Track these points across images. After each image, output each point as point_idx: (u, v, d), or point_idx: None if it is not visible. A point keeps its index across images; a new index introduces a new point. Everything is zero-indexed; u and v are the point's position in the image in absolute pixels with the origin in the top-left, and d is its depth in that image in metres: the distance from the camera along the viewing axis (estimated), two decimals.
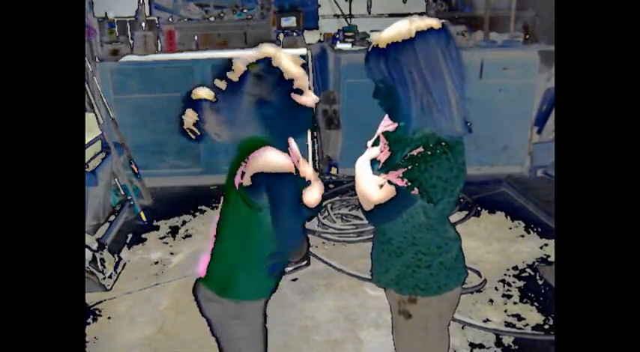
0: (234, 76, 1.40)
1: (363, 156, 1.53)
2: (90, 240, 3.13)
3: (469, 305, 2.79)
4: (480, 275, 3.03)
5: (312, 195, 1.55)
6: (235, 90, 1.39)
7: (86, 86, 3.67)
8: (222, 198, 1.52)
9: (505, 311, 2.75)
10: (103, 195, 3.68)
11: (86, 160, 3.49)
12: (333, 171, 4.59)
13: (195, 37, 4.51)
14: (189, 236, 3.63)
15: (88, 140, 3.55)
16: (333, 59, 4.59)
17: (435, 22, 1.31)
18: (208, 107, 1.42)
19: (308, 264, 3.17)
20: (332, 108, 4.53)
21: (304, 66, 1.46)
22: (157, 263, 3.32)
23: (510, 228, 3.67)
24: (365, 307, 2.79)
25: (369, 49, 1.35)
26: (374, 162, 1.49)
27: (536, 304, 2.79)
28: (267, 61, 1.40)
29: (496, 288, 2.94)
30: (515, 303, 2.81)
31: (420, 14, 1.42)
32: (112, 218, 3.73)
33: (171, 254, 3.42)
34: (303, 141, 4.41)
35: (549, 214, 3.66)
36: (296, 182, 1.40)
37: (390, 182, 1.34)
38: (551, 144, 4.10)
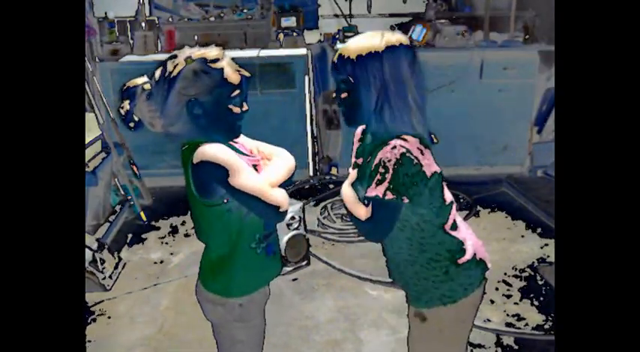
0: (172, 68, 1.37)
1: (347, 180, 1.54)
2: (90, 240, 3.13)
3: None
4: None
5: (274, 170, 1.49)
6: (170, 83, 1.36)
7: (86, 86, 3.67)
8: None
9: (505, 311, 2.75)
10: (103, 195, 3.68)
11: (86, 160, 3.49)
12: (333, 171, 4.59)
13: (195, 37, 4.51)
14: (189, 236, 3.62)
15: (88, 140, 3.55)
16: None
17: (404, 38, 1.39)
18: (141, 94, 1.40)
19: (308, 263, 3.17)
20: (332, 108, 4.53)
21: (246, 76, 1.42)
22: (157, 263, 3.32)
23: (510, 228, 3.67)
24: (365, 307, 2.79)
25: (337, 53, 1.40)
26: (356, 182, 1.50)
27: (536, 304, 2.79)
28: (209, 61, 1.37)
29: (496, 288, 2.94)
30: (515, 303, 2.81)
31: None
32: (112, 218, 3.73)
33: (171, 254, 3.42)
34: (302, 141, 4.42)
35: (549, 214, 3.66)
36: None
37: (368, 198, 1.37)
38: (551, 144, 4.10)
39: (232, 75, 1.38)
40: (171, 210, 4.00)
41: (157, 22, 4.51)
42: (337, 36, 4.72)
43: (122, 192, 3.92)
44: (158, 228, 3.77)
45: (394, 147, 1.33)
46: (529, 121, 4.51)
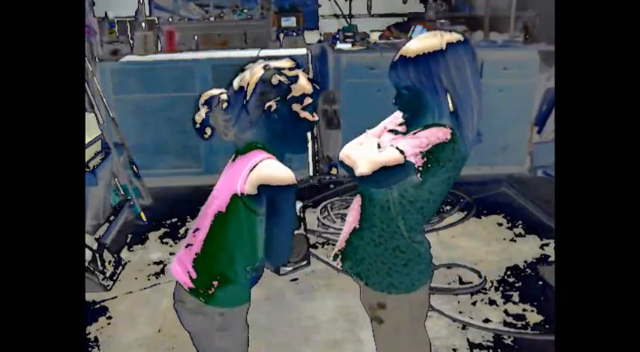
0: (250, 77, 1.42)
1: (358, 138, 1.53)
2: (90, 240, 3.13)
3: (469, 305, 2.79)
4: (479, 275, 3.03)
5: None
6: (247, 92, 1.41)
7: (86, 86, 3.67)
8: (208, 202, 1.50)
9: (505, 311, 2.75)
10: (103, 195, 3.68)
11: (86, 160, 3.49)
12: (333, 171, 4.59)
13: (195, 37, 4.51)
14: None
15: (88, 140, 3.55)
16: (333, 59, 4.59)
17: (461, 36, 1.37)
18: (217, 103, 1.44)
19: (308, 263, 3.16)
20: (332, 108, 4.53)
21: (317, 88, 1.47)
22: (157, 263, 3.32)
23: (510, 228, 3.67)
24: None
25: (396, 58, 1.38)
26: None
27: (536, 304, 2.79)
28: (285, 71, 1.42)
29: (496, 288, 2.95)
30: (515, 303, 2.81)
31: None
32: (112, 218, 3.73)
33: (171, 254, 3.41)
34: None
35: (549, 214, 3.66)
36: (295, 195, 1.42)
37: (396, 148, 1.35)
38: (551, 144, 4.09)
39: (306, 84, 1.44)
40: (171, 210, 4.00)
41: (157, 22, 4.51)
42: (337, 36, 4.72)
43: (122, 192, 3.92)
44: (158, 228, 3.77)
45: (450, 132, 1.33)
46: (529, 121, 4.51)
